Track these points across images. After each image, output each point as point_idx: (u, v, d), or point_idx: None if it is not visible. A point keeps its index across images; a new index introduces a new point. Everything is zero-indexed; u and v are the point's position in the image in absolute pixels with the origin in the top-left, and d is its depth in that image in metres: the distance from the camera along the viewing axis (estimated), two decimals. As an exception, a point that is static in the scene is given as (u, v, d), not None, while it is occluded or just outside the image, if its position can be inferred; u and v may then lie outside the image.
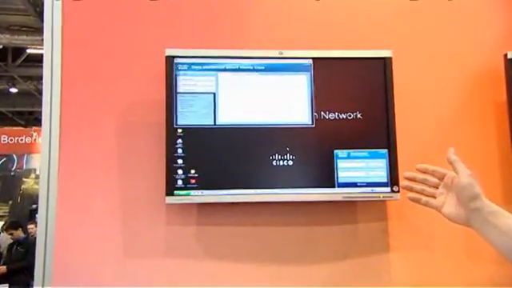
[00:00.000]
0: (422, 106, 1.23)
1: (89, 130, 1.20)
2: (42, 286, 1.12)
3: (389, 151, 1.15)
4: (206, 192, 1.13)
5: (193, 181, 1.13)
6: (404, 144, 1.15)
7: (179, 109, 1.15)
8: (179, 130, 1.14)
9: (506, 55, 1.18)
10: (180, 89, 1.15)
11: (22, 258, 4.26)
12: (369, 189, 1.15)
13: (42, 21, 1.27)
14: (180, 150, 1.14)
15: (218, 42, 1.22)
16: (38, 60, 5.36)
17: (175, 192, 1.12)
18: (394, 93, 1.16)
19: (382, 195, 1.15)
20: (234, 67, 1.17)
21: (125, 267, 1.14)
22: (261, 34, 1.26)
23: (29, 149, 7.38)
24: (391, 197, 1.14)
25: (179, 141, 1.14)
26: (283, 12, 1.28)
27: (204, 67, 1.17)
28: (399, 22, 1.29)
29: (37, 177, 6.87)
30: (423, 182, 0.76)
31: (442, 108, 1.25)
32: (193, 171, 1.13)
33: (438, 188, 0.74)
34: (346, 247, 1.19)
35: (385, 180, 1.15)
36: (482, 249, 1.15)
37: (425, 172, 0.76)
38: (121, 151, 1.20)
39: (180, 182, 1.13)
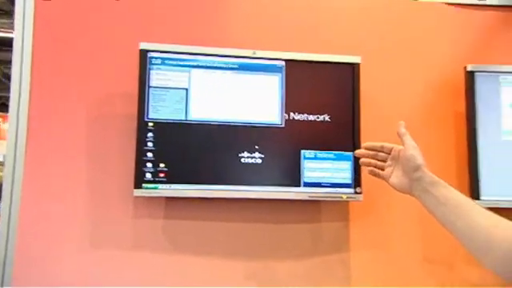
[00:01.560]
0: (386, 113, 1.30)
1: (58, 120, 1.19)
2: (3, 275, 1.11)
3: (354, 154, 1.21)
4: (174, 186, 1.15)
5: (162, 174, 1.15)
6: None
7: (151, 102, 1.16)
8: (150, 124, 1.16)
9: (465, 68, 1.27)
10: (153, 83, 1.17)
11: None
12: (333, 189, 1.20)
13: (13, 3, 1.24)
14: (150, 144, 1.15)
15: (193, 39, 1.23)
16: (5, 44, 5.12)
17: (143, 185, 1.13)
18: (361, 98, 1.21)
19: (345, 196, 1.20)
20: (207, 64, 1.20)
21: (90, 258, 1.15)
22: (236, 33, 1.29)
23: (-7, 135, 7.11)
24: (354, 198, 1.20)
25: (150, 134, 1.15)
26: (259, 13, 1.31)
27: (178, 63, 1.19)
28: (369, 30, 1.35)
29: (1, 164, 6.63)
30: (374, 157, 0.83)
31: (405, 115, 1.30)
32: (162, 165, 1.15)
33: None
34: (309, 245, 1.24)
35: (349, 181, 1.20)
36: (437, 250, 1.27)
37: (373, 149, 0.83)
38: (90, 142, 1.20)
39: (149, 176, 1.14)
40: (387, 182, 0.80)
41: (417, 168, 0.74)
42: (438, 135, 1.32)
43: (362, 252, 1.25)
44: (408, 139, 0.77)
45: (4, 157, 1.19)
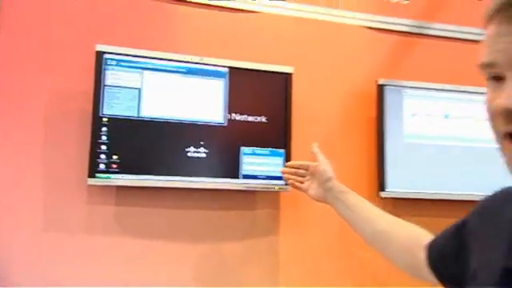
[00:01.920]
0: (314, 116, 1.51)
1: (18, 113, 1.28)
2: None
3: (285, 151, 1.40)
4: (125, 176, 1.27)
5: (114, 165, 1.26)
6: (297, 146, 1.40)
7: (106, 100, 1.27)
8: (104, 119, 1.26)
9: (377, 81, 1.51)
10: (107, 82, 1.28)
11: None
12: (267, 181, 1.38)
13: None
14: (104, 137, 1.26)
15: (147, 44, 1.36)
16: None
17: (97, 175, 1.24)
18: (293, 103, 1.41)
19: (277, 187, 1.39)
20: (158, 67, 1.33)
21: (45, 240, 1.24)
22: (186, 40, 1.43)
23: None
24: (285, 189, 1.39)
25: (104, 129, 1.26)
26: (208, 25, 1.46)
27: (131, 64, 1.31)
28: (302, 46, 1.55)
29: None
30: (294, 173, 1.00)
31: (329, 118, 1.55)
32: (115, 157, 1.26)
33: (305, 176, 0.98)
34: (245, 229, 1.42)
35: (281, 175, 1.39)
36: (350, 236, 1.48)
37: (293, 167, 1.01)
38: (48, 135, 1.29)
39: (102, 166, 1.25)
40: (306, 193, 0.96)
41: (328, 179, 0.90)
42: (354, 136, 1.56)
43: (289, 235, 1.46)
44: (320, 156, 0.94)
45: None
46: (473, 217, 0.64)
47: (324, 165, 0.92)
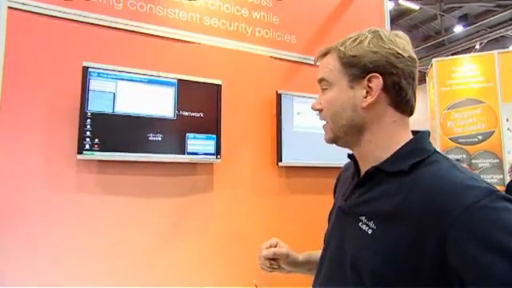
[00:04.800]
0: (237, 113, 2.14)
1: (24, 108, 1.67)
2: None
3: (217, 136, 2.04)
4: (105, 153, 1.79)
5: (96, 146, 1.77)
6: (225, 133, 2.04)
7: (90, 100, 1.77)
8: (89, 114, 1.76)
9: (277, 91, 2.18)
10: (91, 88, 1.77)
11: None
12: (204, 156, 1.99)
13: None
14: (88, 126, 1.75)
15: (120, 62, 1.85)
16: None
17: (84, 152, 1.75)
18: (222, 104, 2.03)
19: (211, 160, 2.04)
20: (128, 78, 1.86)
21: (43, 200, 1.68)
22: (149, 60, 1.95)
23: None
24: (216, 161, 2.02)
25: (88, 121, 1.76)
26: (165, 50, 1.99)
27: (108, 76, 1.82)
28: (228, 66, 2.14)
29: None
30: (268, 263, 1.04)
31: (246, 115, 2.17)
32: (96, 140, 1.77)
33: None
34: (189, 189, 2.00)
35: (213, 152, 2.03)
36: (261, 188, 2.18)
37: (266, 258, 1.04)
38: (47, 124, 1.72)
39: (87, 146, 1.75)
40: (282, 269, 1.04)
41: (286, 256, 1.01)
42: (262, 126, 2.20)
43: (220, 192, 2.06)
44: (277, 249, 1.01)
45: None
46: (337, 179, 0.98)
47: (282, 250, 1.02)
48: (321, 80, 0.80)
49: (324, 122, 0.82)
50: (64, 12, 1.81)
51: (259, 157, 2.15)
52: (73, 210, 1.74)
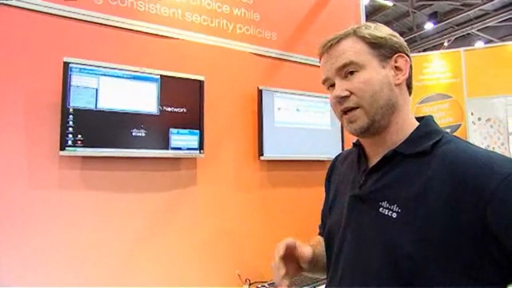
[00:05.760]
0: (219, 109, 2.17)
1: (6, 104, 1.67)
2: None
3: (200, 132, 2.07)
4: (87, 149, 1.78)
5: (79, 142, 1.76)
6: (207, 128, 2.07)
7: (72, 96, 1.75)
8: (71, 110, 1.74)
9: (258, 87, 2.22)
10: (73, 83, 1.76)
11: None
12: (188, 151, 2.02)
13: None
14: (71, 122, 1.74)
15: (102, 57, 1.84)
16: None
17: (66, 148, 1.74)
18: (205, 99, 2.05)
19: (194, 155, 2.07)
20: (111, 74, 1.85)
21: (27, 195, 1.66)
22: (131, 55, 1.94)
23: None
24: (200, 156, 2.06)
25: (70, 116, 1.74)
26: (148, 46, 2.00)
27: (90, 72, 1.81)
28: (211, 63, 2.16)
29: None
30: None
31: (227, 110, 2.20)
32: (79, 136, 1.76)
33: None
34: (173, 183, 2.02)
35: (196, 147, 2.07)
36: (245, 183, 2.24)
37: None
38: (30, 120, 1.69)
39: (70, 142, 1.74)
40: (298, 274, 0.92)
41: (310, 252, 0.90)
42: (244, 121, 2.24)
43: (203, 186, 2.09)
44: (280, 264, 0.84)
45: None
46: (330, 171, 0.97)
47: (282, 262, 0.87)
48: (346, 65, 0.77)
49: (352, 109, 0.77)
50: (44, 6, 1.78)
51: (241, 151, 2.20)
52: (56, 206, 1.73)
